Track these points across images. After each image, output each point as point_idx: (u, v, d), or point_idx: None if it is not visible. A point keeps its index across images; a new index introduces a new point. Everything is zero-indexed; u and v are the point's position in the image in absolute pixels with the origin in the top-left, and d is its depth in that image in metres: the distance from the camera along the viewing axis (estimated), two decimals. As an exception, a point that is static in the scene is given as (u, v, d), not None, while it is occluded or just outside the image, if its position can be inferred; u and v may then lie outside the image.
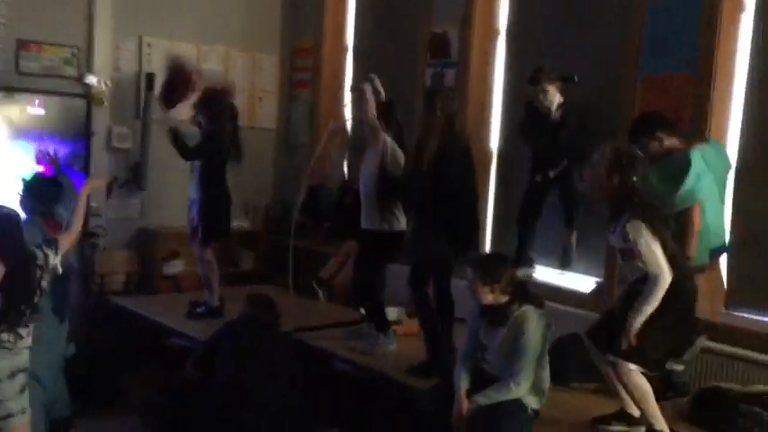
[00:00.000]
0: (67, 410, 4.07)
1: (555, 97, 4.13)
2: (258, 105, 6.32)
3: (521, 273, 3.91)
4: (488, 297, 3.14)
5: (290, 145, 6.45)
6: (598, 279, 4.30)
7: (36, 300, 3.05)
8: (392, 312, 4.57)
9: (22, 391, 3.04)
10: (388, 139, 4.11)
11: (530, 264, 4.42)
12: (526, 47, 4.78)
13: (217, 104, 4.64)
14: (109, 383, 4.65)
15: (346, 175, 5.87)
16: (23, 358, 3.03)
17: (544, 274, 4.55)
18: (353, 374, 3.96)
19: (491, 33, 5.02)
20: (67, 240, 3.30)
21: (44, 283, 3.10)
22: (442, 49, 5.14)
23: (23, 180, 4.04)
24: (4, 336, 2.94)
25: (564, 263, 4.34)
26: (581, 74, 4.17)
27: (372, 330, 4.23)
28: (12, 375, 2.98)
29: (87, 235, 5.24)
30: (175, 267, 5.71)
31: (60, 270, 3.20)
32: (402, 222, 4.17)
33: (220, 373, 3.56)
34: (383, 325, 4.25)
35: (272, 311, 3.84)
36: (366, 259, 4.25)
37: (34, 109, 5.06)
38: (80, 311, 4.93)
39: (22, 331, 2.99)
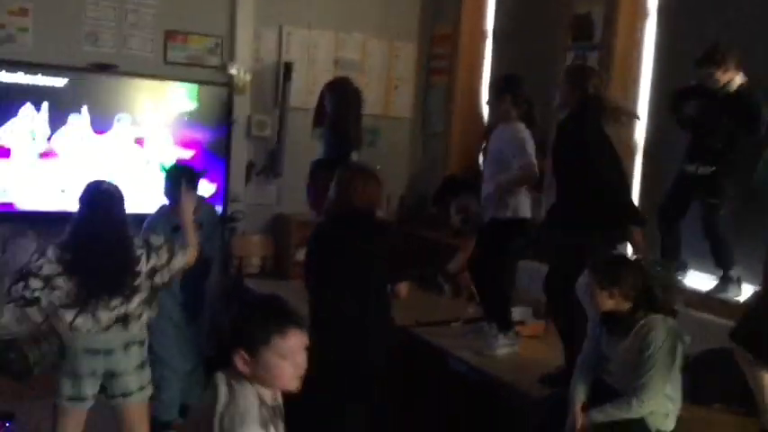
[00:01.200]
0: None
1: (735, 77, 3.63)
2: (394, 94, 6.23)
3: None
4: (608, 303, 2.81)
5: (426, 134, 6.32)
6: (757, 287, 3.78)
7: (121, 288, 2.96)
8: (517, 312, 4.31)
9: (140, 366, 3.07)
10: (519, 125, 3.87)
11: (681, 267, 3.98)
12: (683, 24, 4.29)
13: (342, 90, 4.60)
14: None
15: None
16: (136, 331, 3.03)
17: (697, 279, 4.07)
18: (468, 375, 3.75)
19: (640, 12, 4.57)
20: (185, 259, 3.19)
21: (140, 278, 3.00)
22: (585, 30, 4.76)
23: (164, 168, 4.23)
24: (80, 320, 2.90)
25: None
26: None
27: (493, 329, 4.00)
28: (126, 347, 3.00)
29: (227, 219, 5.44)
30: (307, 254, 5.77)
31: (165, 280, 3.11)
32: (527, 209, 3.91)
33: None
34: (505, 324, 4.00)
35: None
36: (488, 249, 4.02)
37: (179, 97, 5.28)
38: (218, 293, 5.12)
39: (102, 315, 2.94)
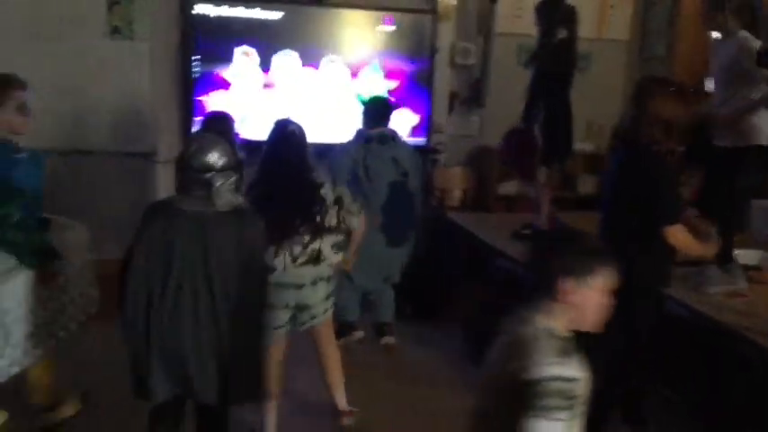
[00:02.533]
0: (389, 316, 4.32)
1: None
2: (610, 14, 5.72)
3: None
4: None
5: (644, 58, 5.76)
6: None
7: (309, 227, 3.04)
8: (750, 256, 3.83)
9: (326, 298, 3.22)
10: (743, 33, 3.36)
11: None
12: None
13: (553, 8, 4.26)
14: (437, 295, 4.79)
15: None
16: (324, 269, 3.14)
17: None
18: (689, 321, 3.40)
19: None
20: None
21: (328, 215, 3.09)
22: None
23: (362, 100, 4.26)
24: (273, 258, 2.99)
25: None
26: None
27: (718, 271, 3.58)
28: (314, 282, 3.13)
29: (429, 151, 5.39)
30: (510, 187, 5.59)
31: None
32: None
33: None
34: (726, 260, 3.56)
35: None
36: (723, 183, 3.57)
37: (384, 27, 5.24)
38: (420, 224, 5.13)
39: (294, 253, 3.03)
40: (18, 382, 3.00)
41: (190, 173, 2.48)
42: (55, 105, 4.45)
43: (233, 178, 2.54)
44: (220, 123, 3.91)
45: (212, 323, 2.45)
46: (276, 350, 3.14)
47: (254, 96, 5.02)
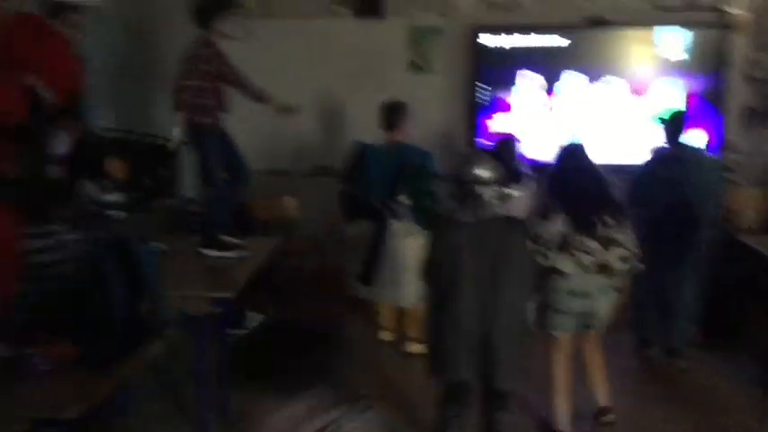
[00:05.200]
0: (682, 340, 4.24)
1: None
2: None
3: None
4: None
5: None
6: None
7: (598, 233, 3.16)
8: None
9: (609, 307, 3.33)
10: None
11: None
12: None
13: None
14: (728, 320, 4.55)
15: None
16: (610, 280, 3.24)
17: None
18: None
19: None
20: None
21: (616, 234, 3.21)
22: None
23: (659, 118, 4.27)
24: (564, 263, 3.16)
25: None
26: None
27: None
28: (602, 290, 3.26)
29: (722, 169, 5.13)
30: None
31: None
32: None
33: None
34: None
35: None
36: None
37: (669, 43, 5.15)
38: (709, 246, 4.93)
39: (582, 261, 3.16)
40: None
41: (462, 186, 2.86)
42: (364, 132, 5.11)
43: (498, 190, 2.89)
44: (506, 145, 4.26)
45: (498, 313, 2.78)
46: (564, 352, 3.36)
47: (537, 118, 5.27)
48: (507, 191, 3.03)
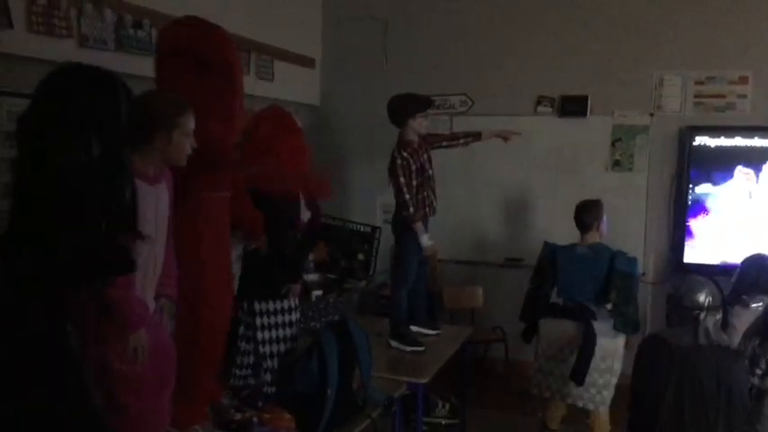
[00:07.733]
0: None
1: None
2: None
3: None
4: None
5: None
6: None
7: None
8: None
9: None
10: None
11: None
12: None
13: None
14: None
15: None
16: None
17: None
18: None
19: None
20: None
21: None
22: None
23: None
24: None
25: None
26: None
27: None
28: None
29: None
30: None
31: None
32: None
33: None
34: None
35: None
36: None
37: None
38: None
39: None
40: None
41: (680, 310, 2.79)
42: (558, 226, 5.06)
43: (718, 317, 2.79)
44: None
45: None
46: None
47: (741, 218, 4.99)
48: (729, 318, 2.90)
